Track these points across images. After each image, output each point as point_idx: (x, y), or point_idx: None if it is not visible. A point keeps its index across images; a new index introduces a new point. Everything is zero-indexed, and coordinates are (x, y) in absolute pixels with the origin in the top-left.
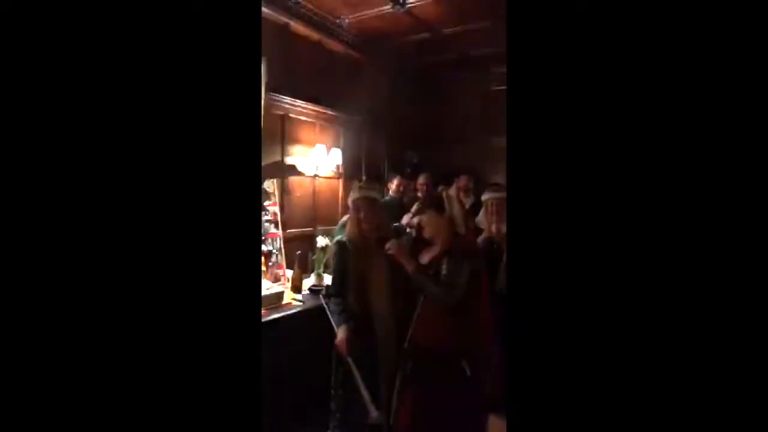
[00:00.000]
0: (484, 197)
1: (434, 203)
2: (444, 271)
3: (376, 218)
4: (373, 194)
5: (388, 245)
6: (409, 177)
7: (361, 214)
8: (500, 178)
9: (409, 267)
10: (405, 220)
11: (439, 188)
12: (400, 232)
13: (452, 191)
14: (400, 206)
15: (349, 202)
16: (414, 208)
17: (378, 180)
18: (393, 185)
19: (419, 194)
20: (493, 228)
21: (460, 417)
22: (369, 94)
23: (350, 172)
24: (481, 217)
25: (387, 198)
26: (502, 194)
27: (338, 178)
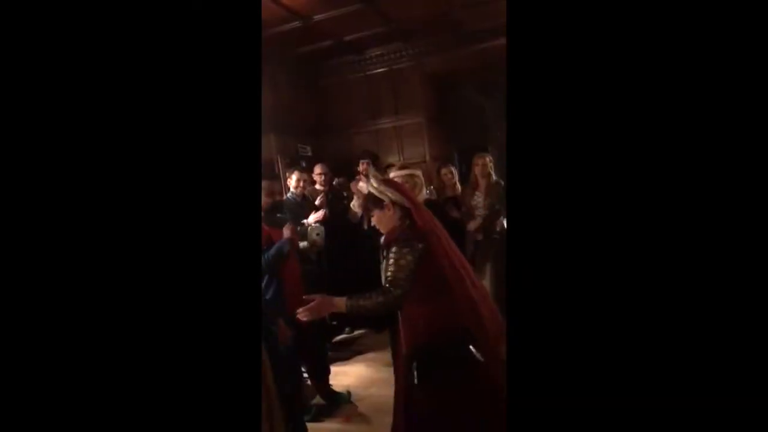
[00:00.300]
0: (391, 176)
1: (372, 199)
2: (385, 271)
3: None
4: None
5: (300, 312)
6: (305, 171)
7: None
8: (393, 159)
9: (341, 308)
10: (312, 218)
11: (335, 181)
12: (303, 236)
13: (362, 184)
14: (303, 203)
15: None
16: (317, 201)
17: (271, 179)
18: (292, 182)
19: (318, 186)
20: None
21: (481, 413)
22: None
23: None
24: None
25: (288, 196)
26: (407, 171)
27: None
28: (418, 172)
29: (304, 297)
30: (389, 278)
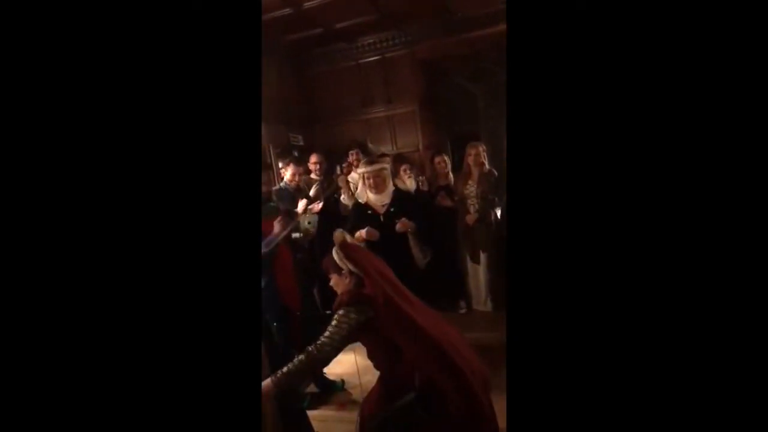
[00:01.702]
0: (360, 170)
1: (332, 265)
2: (322, 332)
3: None
4: None
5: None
6: (298, 161)
7: None
8: (385, 148)
9: (269, 390)
10: (303, 207)
11: (335, 174)
12: (295, 227)
13: (353, 174)
14: (294, 194)
15: None
16: (312, 191)
17: (265, 168)
18: (287, 175)
19: (313, 175)
20: (370, 197)
21: None
22: None
23: None
24: (360, 190)
25: (281, 185)
26: (376, 166)
27: None
28: (386, 165)
29: None
30: (319, 341)
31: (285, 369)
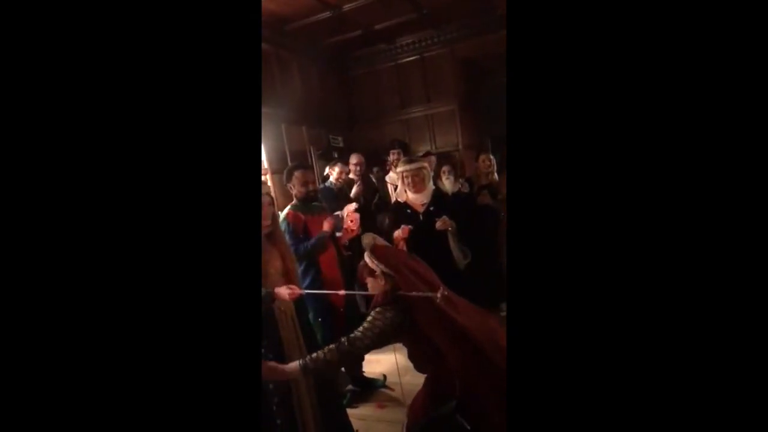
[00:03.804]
0: (399, 169)
1: (366, 269)
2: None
3: (266, 213)
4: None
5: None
6: (344, 162)
7: None
8: (424, 147)
9: (295, 373)
10: (346, 211)
11: (374, 171)
12: (338, 226)
13: (391, 174)
14: (337, 194)
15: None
16: (353, 191)
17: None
18: (334, 174)
19: (353, 176)
20: (409, 196)
21: None
22: (281, 83)
23: (276, 165)
24: (399, 189)
25: (326, 184)
26: (415, 165)
27: (264, 174)
28: (425, 164)
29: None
30: (351, 335)
31: (314, 355)
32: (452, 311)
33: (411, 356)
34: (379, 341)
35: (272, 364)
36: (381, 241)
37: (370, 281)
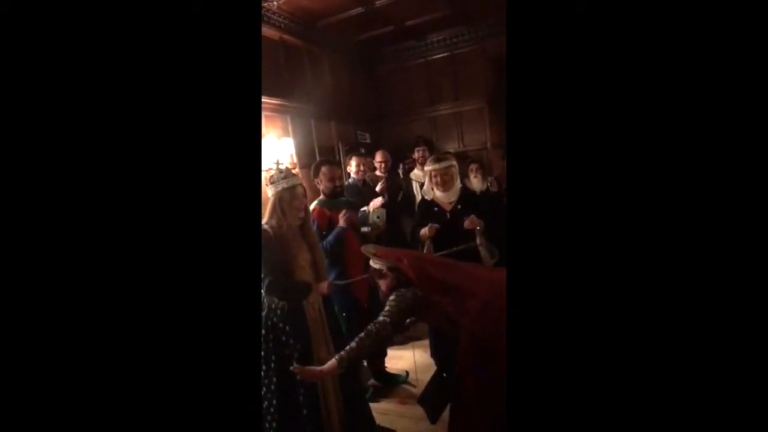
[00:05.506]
0: (427, 168)
1: (375, 273)
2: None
3: (300, 204)
4: (294, 181)
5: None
6: (363, 155)
7: (284, 204)
8: (451, 146)
9: (333, 370)
10: (372, 205)
11: (400, 169)
12: (363, 221)
13: (416, 171)
14: (362, 189)
15: (271, 192)
16: (378, 187)
17: (332, 164)
18: (352, 167)
19: (378, 173)
20: (436, 194)
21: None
22: (311, 78)
23: (304, 160)
24: (426, 187)
25: (350, 181)
26: (444, 164)
27: (293, 168)
28: (454, 162)
29: (292, 368)
30: (377, 320)
31: (348, 348)
32: (453, 273)
33: (436, 326)
34: (404, 317)
35: (311, 368)
36: (379, 247)
37: (381, 283)
